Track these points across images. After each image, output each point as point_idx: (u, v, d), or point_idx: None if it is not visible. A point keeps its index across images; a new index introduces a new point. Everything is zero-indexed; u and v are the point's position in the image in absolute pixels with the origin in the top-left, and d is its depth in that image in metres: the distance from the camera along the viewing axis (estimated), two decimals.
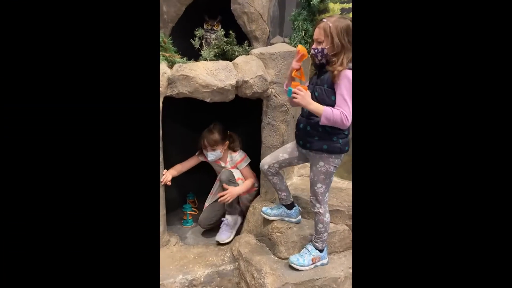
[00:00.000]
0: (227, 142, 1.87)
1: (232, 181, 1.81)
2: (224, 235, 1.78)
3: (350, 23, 1.25)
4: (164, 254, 1.68)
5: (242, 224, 1.89)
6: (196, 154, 1.94)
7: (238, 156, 1.90)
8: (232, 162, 1.91)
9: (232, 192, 1.77)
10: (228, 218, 1.83)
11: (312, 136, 1.34)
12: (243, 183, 1.85)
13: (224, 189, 1.78)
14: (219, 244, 1.76)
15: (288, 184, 1.86)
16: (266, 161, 1.56)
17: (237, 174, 1.86)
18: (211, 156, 1.84)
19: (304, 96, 1.24)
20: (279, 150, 1.57)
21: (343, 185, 1.86)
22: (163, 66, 1.58)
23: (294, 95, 1.25)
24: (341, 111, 1.20)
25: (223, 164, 1.91)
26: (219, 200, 1.77)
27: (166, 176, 1.73)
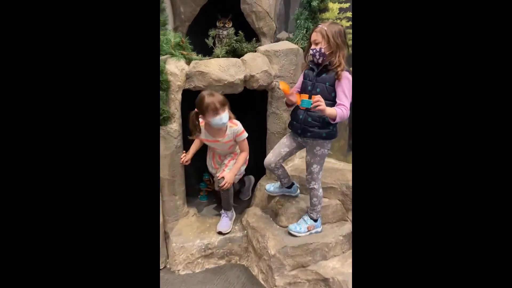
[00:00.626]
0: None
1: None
2: (225, 225, 1.85)
3: (341, 27, 1.48)
4: (184, 223, 1.93)
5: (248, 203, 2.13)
6: (193, 136, 1.82)
7: (237, 129, 1.77)
8: (231, 135, 1.77)
9: (228, 178, 1.76)
10: (226, 211, 1.91)
11: (313, 126, 1.54)
12: (235, 162, 1.85)
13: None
14: (220, 233, 1.84)
15: (290, 165, 2.09)
16: (271, 160, 1.70)
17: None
18: (225, 118, 1.64)
19: (324, 104, 1.36)
20: (279, 147, 1.70)
21: (339, 166, 2.07)
22: (182, 63, 1.78)
23: (317, 103, 1.34)
24: (345, 107, 1.43)
25: (219, 139, 1.78)
26: (223, 187, 1.76)
27: (186, 157, 1.88)
